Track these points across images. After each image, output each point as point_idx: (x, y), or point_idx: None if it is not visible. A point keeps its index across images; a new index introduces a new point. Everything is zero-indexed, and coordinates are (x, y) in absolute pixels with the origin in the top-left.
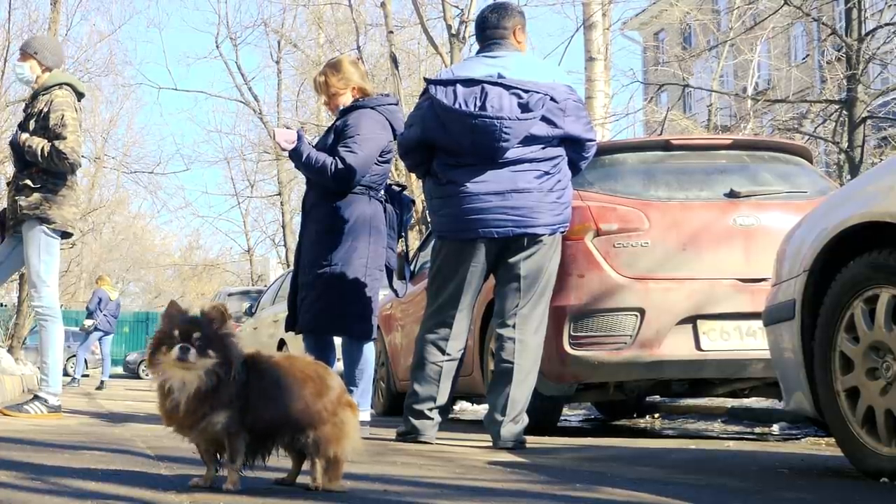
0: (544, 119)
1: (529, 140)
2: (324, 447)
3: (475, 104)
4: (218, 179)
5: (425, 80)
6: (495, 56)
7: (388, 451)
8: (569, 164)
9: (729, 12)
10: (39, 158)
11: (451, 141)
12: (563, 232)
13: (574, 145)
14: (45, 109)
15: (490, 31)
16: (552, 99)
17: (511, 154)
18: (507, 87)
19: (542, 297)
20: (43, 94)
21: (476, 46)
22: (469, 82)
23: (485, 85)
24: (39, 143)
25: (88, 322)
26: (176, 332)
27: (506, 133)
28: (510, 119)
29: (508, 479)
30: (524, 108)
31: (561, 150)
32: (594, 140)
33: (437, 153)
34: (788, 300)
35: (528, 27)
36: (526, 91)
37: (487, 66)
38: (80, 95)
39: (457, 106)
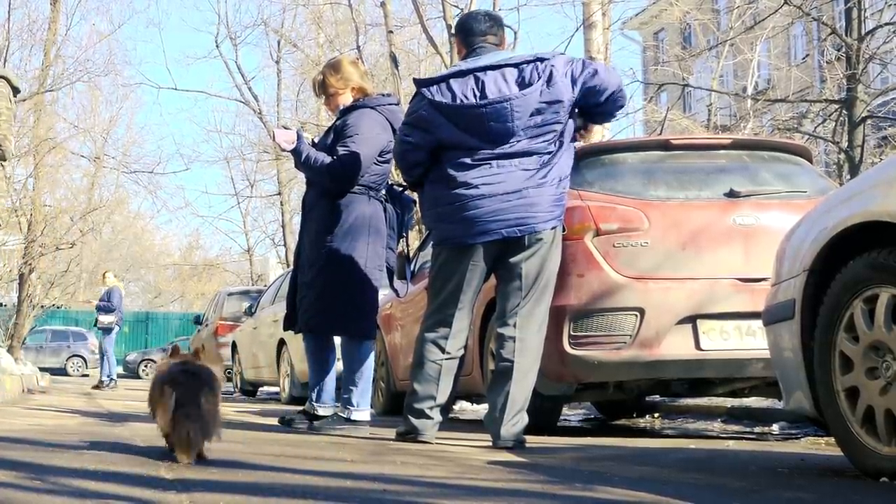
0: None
1: (546, 118)
2: None
3: (474, 94)
4: (218, 179)
5: (414, 81)
6: (481, 58)
7: (388, 450)
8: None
9: (729, 12)
10: None
11: (464, 136)
12: (562, 227)
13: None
14: None
15: (479, 38)
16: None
17: (520, 146)
18: (496, 68)
19: (544, 296)
20: None
21: None
22: (458, 74)
23: (475, 74)
24: None
25: (109, 318)
26: None
27: (517, 112)
28: (516, 98)
29: (508, 479)
30: (522, 83)
31: (566, 140)
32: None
33: (444, 155)
34: (788, 300)
35: (528, 27)
36: (516, 66)
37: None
38: (15, 90)
39: (458, 102)
